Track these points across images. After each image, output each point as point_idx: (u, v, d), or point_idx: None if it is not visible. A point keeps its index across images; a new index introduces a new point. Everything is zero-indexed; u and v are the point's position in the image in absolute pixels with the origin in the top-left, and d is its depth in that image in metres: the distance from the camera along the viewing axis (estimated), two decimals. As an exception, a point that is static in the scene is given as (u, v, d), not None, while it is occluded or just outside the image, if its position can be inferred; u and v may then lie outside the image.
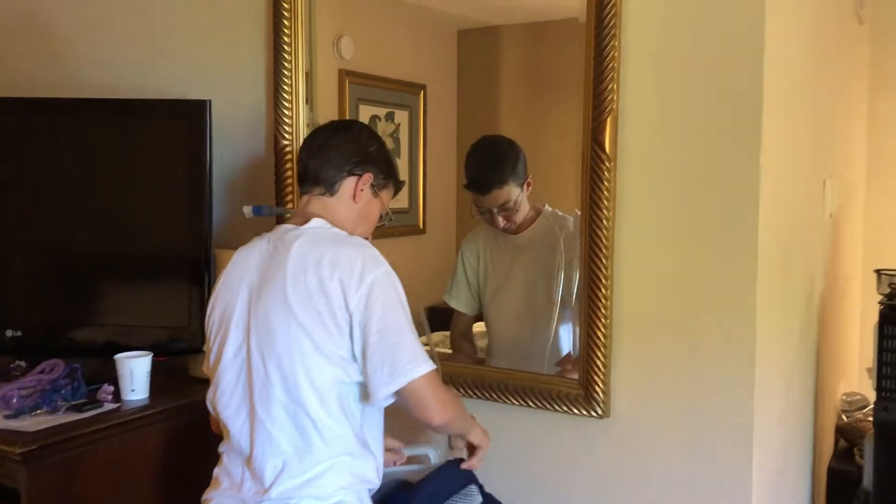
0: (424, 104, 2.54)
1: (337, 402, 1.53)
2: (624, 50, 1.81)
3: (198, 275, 2.20)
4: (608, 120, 1.80)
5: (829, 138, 2.70)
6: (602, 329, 1.85)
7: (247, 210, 1.73)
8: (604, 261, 1.84)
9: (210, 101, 2.19)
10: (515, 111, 2.44)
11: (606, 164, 1.81)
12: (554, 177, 2.28)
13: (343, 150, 1.67)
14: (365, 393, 1.56)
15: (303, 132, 2.26)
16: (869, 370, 2.59)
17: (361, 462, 1.58)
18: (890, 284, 2.63)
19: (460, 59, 2.47)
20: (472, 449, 1.78)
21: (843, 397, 3.41)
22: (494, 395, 2.01)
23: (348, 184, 1.66)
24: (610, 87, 1.80)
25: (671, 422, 1.82)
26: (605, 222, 1.83)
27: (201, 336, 2.19)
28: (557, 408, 1.92)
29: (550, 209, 2.21)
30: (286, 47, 2.25)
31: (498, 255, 2.27)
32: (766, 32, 1.69)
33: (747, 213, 1.72)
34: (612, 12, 1.79)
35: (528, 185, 2.19)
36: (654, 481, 1.85)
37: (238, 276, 1.64)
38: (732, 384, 1.76)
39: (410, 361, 1.51)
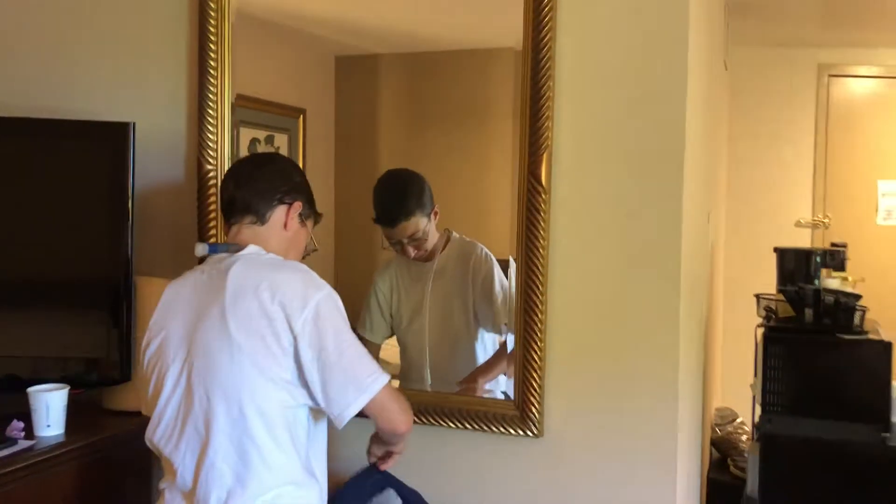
0: (304, 128, 2.57)
1: (284, 428, 1.53)
2: (557, 90, 1.93)
3: (117, 303, 2.12)
4: (544, 155, 1.92)
5: (709, 174, 2.96)
6: (537, 353, 1.95)
7: (200, 248, 1.67)
8: (539, 288, 1.94)
9: (134, 123, 2.12)
10: (394, 138, 2.47)
11: (542, 196, 1.93)
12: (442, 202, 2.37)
13: (272, 180, 1.68)
14: (313, 417, 1.58)
15: (227, 158, 2.23)
16: (752, 386, 2.85)
17: (306, 492, 1.57)
18: (766, 307, 2.92)
19: (338, 84, 2.52)
20: (388, 453, 1.81)
21: (716, 412, 3.70)
22: (433, 419, 2.06)
23: (279, 213, 1.68)
24: (545, 125, 1.92)
25: (601, 439, 1.94)
26: (540, 251, 1.94)
27: (120, 367, 2.13)
28: (494, 429, 2.00)
29: (458, 235, 2.30)
30: (212, 71, 2.22)
31: (411, 283, 2.33)
32: (689, 71, 1.87)
33: (671, 242, 1.88)
34: (547, 56, 1.91)
35: (436, 214, 2.26)
36: (585, 496, 1.96)
37: (174, 309, 1.62)
38: (659, 402, 1.90)
39: (370, 375, 1.54)
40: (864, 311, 2.59)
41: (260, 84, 2.44)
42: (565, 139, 1.93)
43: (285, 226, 1.68)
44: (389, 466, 1.81)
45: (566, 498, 1.97)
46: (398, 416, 1.59)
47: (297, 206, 1.70)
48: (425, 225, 2.23)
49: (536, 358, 1.95)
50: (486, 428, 2.01)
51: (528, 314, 1.96)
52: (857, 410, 2.48)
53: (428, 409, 2.07)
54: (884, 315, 2.84)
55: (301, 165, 2.50)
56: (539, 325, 1.95)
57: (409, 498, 1.87)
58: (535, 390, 1.96)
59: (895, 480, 2.39)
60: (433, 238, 2.26)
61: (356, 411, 1.53)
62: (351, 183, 2.40)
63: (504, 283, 2.15)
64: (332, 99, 2.48)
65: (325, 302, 1.54)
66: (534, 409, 1.96)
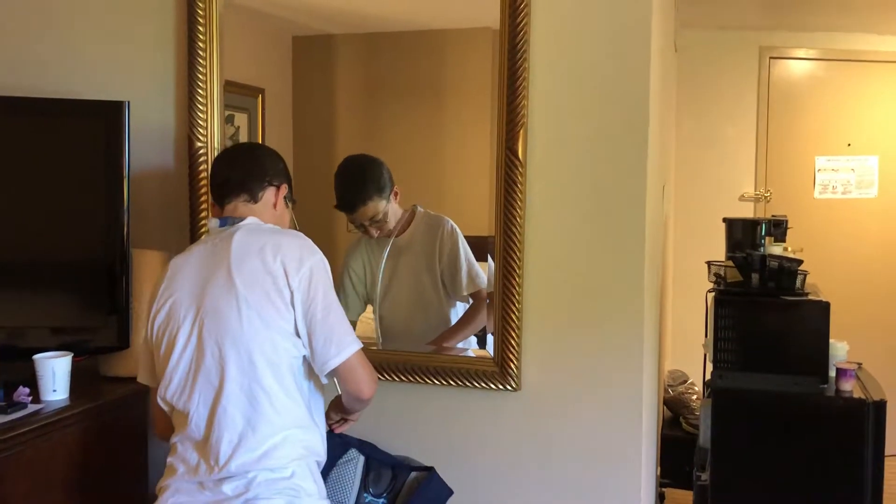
0: (263, 107, 2.65)
1: (290, 376, 1.69)
2: (532, 69, 2.09)
3: (114, 274, 2.21)
4: (521, 131, 2.08)
5: (663, 150, 3.16)
6: (515, 313, 2.12)
7: (213, 223, 1.83)
8: (517, 254, 2.11)
9: (128, 102, 2.20)
10: (353, 117, 2.56)
11: (520, 169, 2.09)
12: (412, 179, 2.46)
13: (262, 163, 1.87)
14: (310, 368, 1.74)
15: (217, 135, 2.33)
16: (704, 345, 3.08)
17: (310, 435, 1.73)
18: (716, 273, 3.14)
19: (295, 64, 2.58)
20: (343, 419, 1.96)
21: (668, 374, 3.94)
22: (418, 378, 2.21)
23: (269, 193, 1.85)
24: (522, 102, 2.08)
25: (574, 391, 2.12)
26: (518, 220, 2.10)
27: (118, 335, 2.23)
28: (476, 385, 2.16)
29: (423, 210, 2.42)
30: (201, 52, 2.32)
31: (382, 258, 2.43)
32: (652, 52, 2.04)
33: (636, 211, 2.06)
34: (524, 36, 2.07)
35: (396, 194, 2.38)
36: (560, 443, 2.14)
37: (180, 277, 1.76)
38: (626, 356, 2.09)
39: (349, 336, 1.72)
40: (804, 275, 2.82)
41: (222, 69, 2.49)
42: (540, 115, 2.10)
43: (275, 205, 1.86)
44: (344, 430, 1.97)
45: (543, 445, 2.15)
46: (365, 381, 1.75)
47: (284, 188, 1.88)
48: (384, 207, 2.35)
49: (515, 318, 2.12)
50: (468, 384, 2.18)
51: (506, 278, 2.12)
52: (799, 364, 2.71)
53: (413, 368, 2.23)
54: (821, 280, 3.08)
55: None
56: (517, 287, 2.11)
57: (369, 453, 2.03)
58: (514, 348, 2.13)
59: (832, 427, 2.63)
60: (395, 217, 2.38)
61: (335, 366, 1.70)
62: (310, 162, 2.49)
63: (469, 255, 2.31)
64: (289, 79, 2.56)
65: (319, 265, 1.72)
66: (512, 366, 2.13)
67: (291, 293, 1.67)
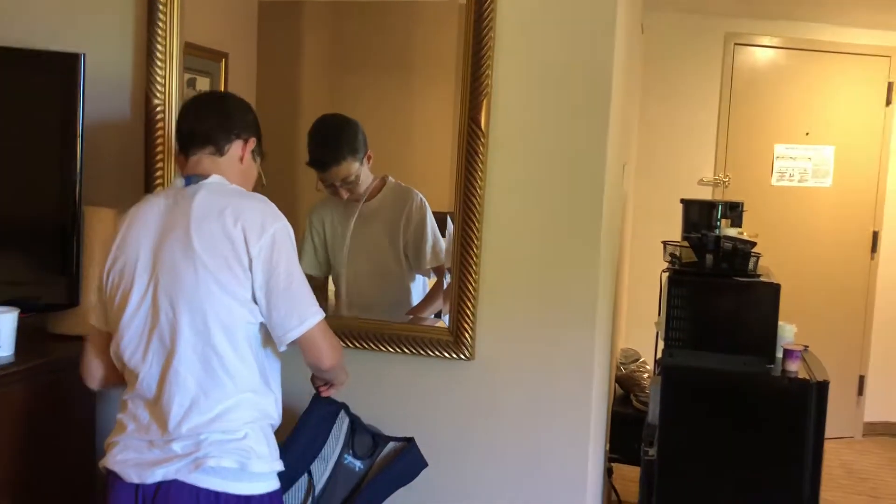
0: (226, 72, 2.61)
1: (244, 341, 1.65)
2: (497, 40, 2.08)
3: (66, 231, 2.17)
4: (484, 101, 2.07)
5: (625, 130, 3.18)
6: (472, 284, 2.13)
7: (179, 182, 1.77)
8: (476, 225, 2.11)
9: (84, 54, 2.15)
10: (317, 84, 2.53)
11: (482, 140, 2.09)
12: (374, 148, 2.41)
13: (230, 115, 1.79)
14: (266, 335, 1.69)
15: (175, 94, 2.29)
16: (656, 324, 3.12)
17: (264, 399, 1.70)
18: (671, 254, 3.18)
19: (261, 29, 2.53)
20: (328, 383, 1.95)
21: (621, 352, 3.99)
22: (373, 345, 2.21)
23: (236, 146, 1.78)
24: (486, 72, 2.07)
25: (527, 362, 2.15)
26: (478, 191, 2.10)
27: (68, 292, 2.19)
28: (431, 353, 2.17)
29: (393, 181, 2.42)
30: (161, 6, 2.26)
31: (346, 222, 2.42)
32: (617, 26, 2.05)
33: (595, 184, 2.08)
34: (490, 8, 2.06)
35: (369, 158, 2.37)
36: (511, 413, 2.17)
37: (137, 230, 1.71)
38: (579, 330, 2.11)
39: (311, 307, 1.68)
40: (757, 257, 2.88)
41: (183, 26, 2.45)
42: (504, 87, 2.09)
43: (241, 159, 1.79)
44: (331, 394, 1.96)
45: (495, 414, 2.17)
46: (325, 351, 1.72)
47: (252, 142, 1.81)
48: (357, 169, 2.34)
49: (471, 289, 2.13)
50: (423, 352, 2.18)
51: (464, 249, 2.13)
52: (748, 345, 2.77)
53: (370, 336, 2.23)
54: (774, 265, 3.14)
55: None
56: (475, 259, 2.12)
57: (354, 419, 2.04)
58: (469, 318, 2.14)
59: (777, 405, 2.70)
60: (367, 181, 2.37)
61: (295, 337, 1.66)
62: (273, 128, 2.43)
63: (435, 230, 2.30)
64: (254, 44, 2.53)
65: (281, 232, 1.66)
66: (467, 335, 2.15)
67: (251, 260, 1.62)
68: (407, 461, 2.05)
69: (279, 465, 1.72)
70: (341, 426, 2.02)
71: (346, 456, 2.01)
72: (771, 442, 2.70)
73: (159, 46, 2.28)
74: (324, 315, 1.71)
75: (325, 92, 2.52)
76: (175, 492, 1.61)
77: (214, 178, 1.72)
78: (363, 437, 2.06)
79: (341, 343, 2.05)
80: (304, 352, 1.72)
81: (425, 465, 2.07)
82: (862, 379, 5.07)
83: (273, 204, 1.71)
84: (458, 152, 2.12)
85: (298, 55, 2.51)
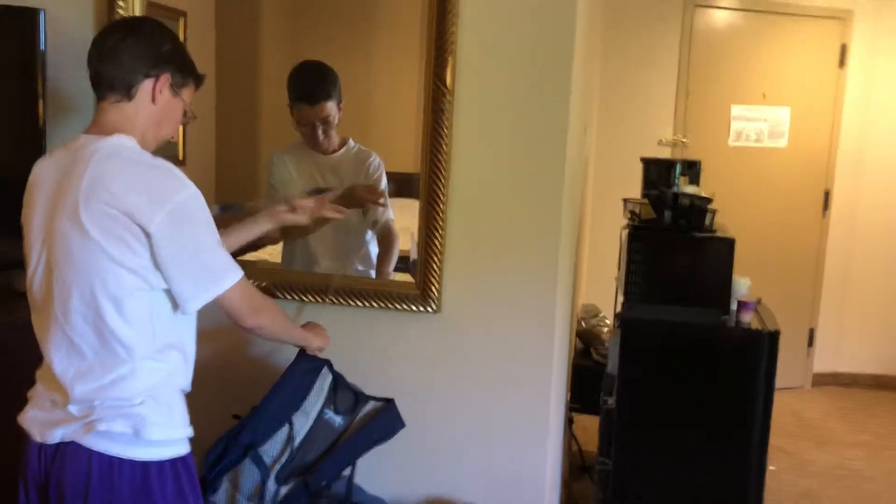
0: (185, 31, 2.60)
1: (139, 310, 1.56)
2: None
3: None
4: (449, 59, 2.11)
5: (587, 90, 3.23)
6: (438, 239, 2.18)
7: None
8: (442, 181, 2.16)
9: (43, 10, 2.13)
10: (277, 43, 2.53)
11: (447, 98, 2.12)
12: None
13: (136, 52, 1.61)
14: (172, 300, 1.60)
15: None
16: (617, 278, 3.21)
17: (166, 365, 1.62)
18: (630, 210, 3.26)
19: None
20: None
21: (582, 307, 4.09)
22: (343, 300, 2.26)
23: (146, 87, 1.62)
24: (451, 29, 2.10)
25: (491, 314, 2.21)
26: (444, 148, 2.14)
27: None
28: (398, 307, 2.23)
29: (354, 143, 2.45)
30: (124, -38, 2.25)
31: (307, 172, 2.46)
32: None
33: (558, 143, 2.13)
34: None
35: (340, 109, 2.41)
36: (476, 364, 2.24)
37: (37, 189, 1.63)
38: (541, 284, 2.18)
39: (219, 270, 1.59)
40: (713, 213, 2.96)
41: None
42: (470, 45, 2.13)
43: (153, 100, 1.64)
44: (311, 352, 2.01)
45: (460, 365, 2.24)
46: (244, 311, 1.64)
47: (165, 78, 1.64)
48: (335, 112, 2.38)
49: (437, 244, 2.19)
50: (390, 306, 2.24)
51: (430, 205, 2.17)
52: (704, 297, 2.87)
53: (338, 290, 2.27)
54: (730, 223, 3.23)
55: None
56: (440, 214, 2.17)
57: (337, 376, 2.09)
58: (435, 272, 2.20)
59: (731, 355, 2.81)
60: (335, 132, 2.41)
61: (199, 306, 1.59)
62: (232, 88, 2.47)
63: (386, 192, 2.36)
64: (212, 2, 2.50)
65: (184, 204, 1.54)
66: (433, 289, 2.20)
67: (149, 236, 1.51)
68: (386, 421, 2.10)
69: (184, 432, 1.65)
70: (324, 382, 2.07)
71: (326, 411, 2.06)
72: (724, 390, 2.81)
73: (121, 3, 2.25)
74: (238, 276, 1.61)
75: (285, 50, 2.52)
76: (71, 453, 1.57)
77: (116, 140, 1.57)
78: (345, 393, 2.11)
79: (276, 300, 2.10)
80: (225, 312, 1.64)
81: (403, 425, 2.12)
82: (812, 332, 5.26)
83: (178, 171, 1.57)
84: (424, 110, 2.15)
85: (258, 13, 2.50)
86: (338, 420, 2.07)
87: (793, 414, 4.73)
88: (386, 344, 2.28)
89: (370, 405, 2.12)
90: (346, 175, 2.43)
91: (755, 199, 5.04)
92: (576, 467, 3.72)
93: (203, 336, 1.72)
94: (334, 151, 2.43)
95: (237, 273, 1.61)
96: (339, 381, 2.11)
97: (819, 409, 4.95)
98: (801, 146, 5.07)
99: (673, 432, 2.88)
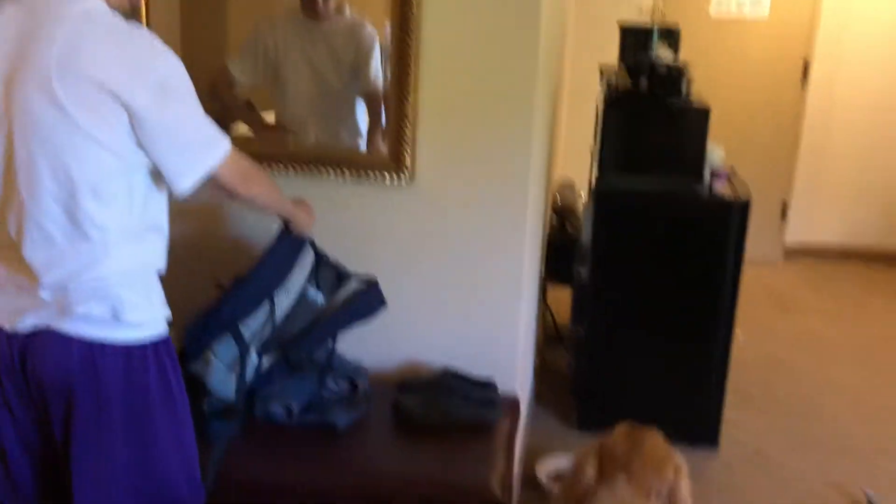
0: None
1: (117, 189, 1.48)
2: None
3: None
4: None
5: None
6: (410, 107, 2.14)
7: None
8: (411, 48, 2.09)
9: None
10: None
11: (418, -43, 2.03)
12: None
13: None
14: (154, 178, 1.54)
15: None
16: (592, 150, 3.20)
17: (142, 246, 1.56)
18: (607, 80, 3.22)
19: None
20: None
21: (558, 183, 4.10)
22: (315, 169, 2.24)
23: None
24: None
25: (465, 184, 2.20)
26: (413, 10, 2.07)
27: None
28: (371, 175, 2.21)
29: (349, 12, 2.37)
30: None
31: (297, 40, 2.38)
32: None
33: (532, 9, 2.06)
34: None
35: None
36: (450, 234, 2.24)
37: None
38: (515, 153, 2.16)
39: (209, 142, 1.53)
40: (689, 80, 2.93)
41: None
42: None
43: None
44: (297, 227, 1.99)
45: (434, 236, 2.25)
46: (235, 183, 1.61)
47: None
48: None
49: (409, 112, 2.14)
50: (362, 174, 2.22)
51: (401, 71, 2.12)
52: (678, 166, 2.88)
53: (311, 159, 2.25)
54: (708, 94, 3.20)
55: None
56: (412, 80, 2.12)
57: (320, 254, 2.10)
58: (408, 141, 2.17)
59: (701, 224, 2.85)
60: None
61: (192, 183, 1.52)
62: (200, 37, 2.35)
63: (378, 61, 2.28)
64: None
65: (168, 72, 1.46)
66: (406, 158, 2.18)
67: (131, 110, 1.41)
68: (367, 299, 2.11)
69: (162, 312, 1.59)
70: (306, 259, 2.07)
71: (309, 288, 2.07)
72: (694, 258, 2.87)
73: None
74: (228, 146, 1.55)
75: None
76: (49, 341, 1.49)
77: (89, 4, 1.43)
78: (327, 271, 2.11)
79: (265, 170, 2.07)
80: (217, 186, 1.59)
81: (385, 304, 2.13)
82: (785, 204, 5.33)
83: (156, 38, 1.47)
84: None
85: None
86: (320, 298, 2.08)
87: (764, 287, 4.86)
88: (361, 214, 2.27)
89: (353, 284, 2.12)
90: (337, 47, 2.35)
91: (735, 69, 4.99)
92: (550, 337, 3.83)
93: (178, 214, 1.70)
94: (330, 18, 2.34)
95: (226, 143, 1.55)
96: (321, 259, 2.11)
97: (788, 279, 5.08)
98: (782, 16, 4.98)
99: (643, 300, 2.95)
